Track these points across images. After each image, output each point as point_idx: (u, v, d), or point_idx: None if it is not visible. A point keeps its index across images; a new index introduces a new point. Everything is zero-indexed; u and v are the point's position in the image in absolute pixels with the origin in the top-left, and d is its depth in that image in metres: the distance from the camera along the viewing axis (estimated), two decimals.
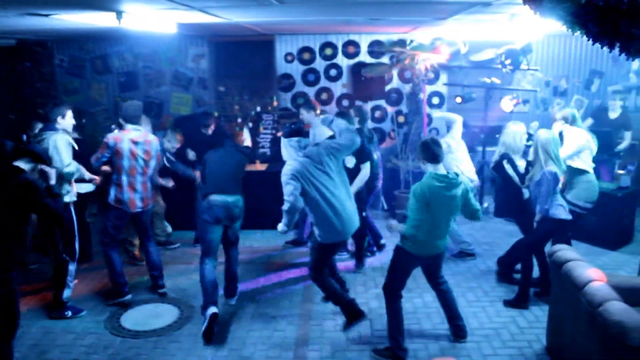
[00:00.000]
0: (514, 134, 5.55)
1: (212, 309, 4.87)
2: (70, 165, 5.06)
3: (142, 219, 5.58)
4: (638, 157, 8.28)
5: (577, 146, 5.80)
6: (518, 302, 5.38)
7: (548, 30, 7.33)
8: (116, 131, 5.48)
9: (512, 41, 7.45)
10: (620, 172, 7.21)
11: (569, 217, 5.19)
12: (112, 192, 5.38)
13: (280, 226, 4.61)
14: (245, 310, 5.44)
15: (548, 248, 4.87)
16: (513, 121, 5.84)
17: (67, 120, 5.35)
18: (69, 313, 5.26)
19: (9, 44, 8.70)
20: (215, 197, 5.04)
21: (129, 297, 5.53)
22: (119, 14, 4.49)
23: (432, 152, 4.28)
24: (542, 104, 9.30)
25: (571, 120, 5.94)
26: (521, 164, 5.53)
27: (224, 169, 5.20)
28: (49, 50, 9.27)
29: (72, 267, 5.26)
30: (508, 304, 5.42)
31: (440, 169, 4.30)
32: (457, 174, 4.34)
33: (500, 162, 5.55)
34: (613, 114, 7.80)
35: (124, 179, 5.33)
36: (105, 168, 5.48)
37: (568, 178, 5.81)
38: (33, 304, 5.52)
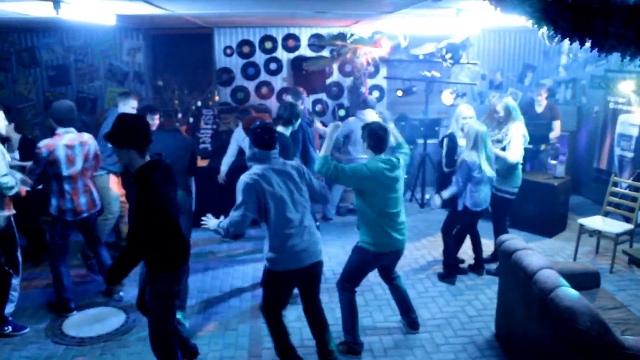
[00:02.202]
0: (457, 115, 5.89)
1: None
2: (6, 177, 4.60)
3: (90, 223, 5.28)
4: (569, 147, 8.65)
5: (522, 142, 5.99)
6: (445, 277, 5.85)
7: (485, 25, 7.52)
8: (46, 139, 4.96)
9: (452, 35, 7.59)
10: (553, 162, 7.49)
11: (475, 209, 5.56)
12: (54, 202, 4.97)
13: None
14: (194, 310, 5.31)
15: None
16: (465, 103, 5.98)
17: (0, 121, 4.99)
18: (9, 329, 4.83)
19: None
20: None
21: (74, 313, 5.17)
22: (57, 4, 4.22)
23: (378, 139, 4.30)
24: (479, 97, 9.55)
25: (512, 112, 6.04)
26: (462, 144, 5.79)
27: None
28: None
29: (15, 281, 4.90)
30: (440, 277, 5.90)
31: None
32: (397, 158, 4.39)
33: (442, 139, 5.80)
34: (539, 108, 8.08)
35: (66, 187, 4.95)
36: (40, 186, 5.04)
37: (502, 167, 5.95)
38: None
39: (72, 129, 5.03)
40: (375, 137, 4.29)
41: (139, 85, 8.98)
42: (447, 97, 7.95)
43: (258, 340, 4.74)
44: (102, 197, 5.83)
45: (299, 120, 5.67)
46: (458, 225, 5.89)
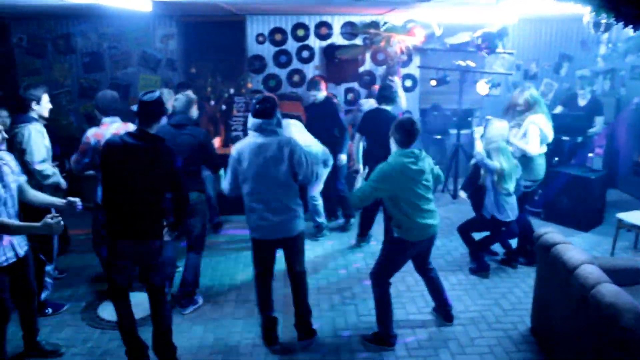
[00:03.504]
0: (501, 130, 5.53)
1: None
2: (43, 164, 4.68)
3: None
4: (607, 139, 8.45)
5: (542, 138, 5.84)
6: (477, 270, 5.78)
7: (523, 14, 7.36)
8: (93, 128, 4.97)
9: (488, 24, 7.45)
10: (590, 155, 7.33)
11: (504, 219, 5.50)
12: (100, 192, 4.87)
13: None
14: (227, 297, 5.33)
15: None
16: (498, 118, 5.79)
17: (43, 105, 4.96)
18: (50, 310, 5.00)
19: None
20: None
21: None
22: None
23: (406, 133, 4.23)
24: (513, 87, 9.35)
25: (533, 105, 5.87)
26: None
27: None
28: (6, 28, 8.81)
29: (49, 268, 5.01)
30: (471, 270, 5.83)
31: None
32: (420, 149, 4.31)
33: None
34: (582, 101, 7.88)
35: None
36: (90, 173, 5.01)
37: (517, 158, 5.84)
38: None
39: (117, 119, 5.03)
40: (404, 131, 4.22)
41: (172, 72, 9.01)
42: (482, 87, 7.82)
43: (290, 328, 4.74)
44: None
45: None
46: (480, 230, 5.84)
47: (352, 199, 4.33)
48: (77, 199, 3.85)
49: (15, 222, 3.67)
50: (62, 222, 3.53)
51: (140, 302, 5.22)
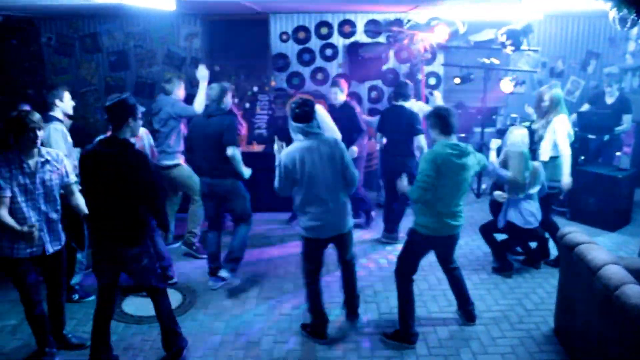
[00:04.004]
0: (523, 137, 5.51)
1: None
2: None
3: None
4: (636, 138, 8.30)
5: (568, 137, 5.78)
6: (500, 270, 5.73)
7: (548, 10, 7.27)
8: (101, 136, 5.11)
9: (512, 21, 7.37)
10: (618, 153, 7.22)
11: (524, 225, 5.49)
12: None
13: None
14: (249, 294, 5.38)
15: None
16: (515, 126, 5.75)
17: (65, 102, 5.19)
18: (76, 296, 5.18)
19: None
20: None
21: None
22: None
23: (445, 122, 4.22)
24: (538, 85, 9.23)
25: (557, 105, 5.82)
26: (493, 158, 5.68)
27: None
28: (36, 28, 8.98)
29: (79, 256, 5.15)
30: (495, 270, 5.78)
31: (453, 139, 4.27)
32: (467, 144, 4.29)
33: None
34: (610, 99, 7.75)
35: None
36: None
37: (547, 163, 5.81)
38: None
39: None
40: (440, 118, 4.24)
41: (196, 70, 9.05)
42: (506, 85, 7.75)
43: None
44: (187, 188, 6.08)
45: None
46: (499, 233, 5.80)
47: (412, 194, 4.26)
48: None
49: (6, 219, 3.77)
50: (35, 235, 3.73)
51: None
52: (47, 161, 3.97)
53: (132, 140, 3.95)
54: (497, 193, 5.59)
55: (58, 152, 4.15)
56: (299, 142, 4.29)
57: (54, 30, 9.02)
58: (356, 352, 4.38)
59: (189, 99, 6.27)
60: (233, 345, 4.51)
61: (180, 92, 6.17)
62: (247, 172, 5.36)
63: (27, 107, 5.60)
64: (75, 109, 5.46)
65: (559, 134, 5.70)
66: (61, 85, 5.42)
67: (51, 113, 5.11)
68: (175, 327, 4.28)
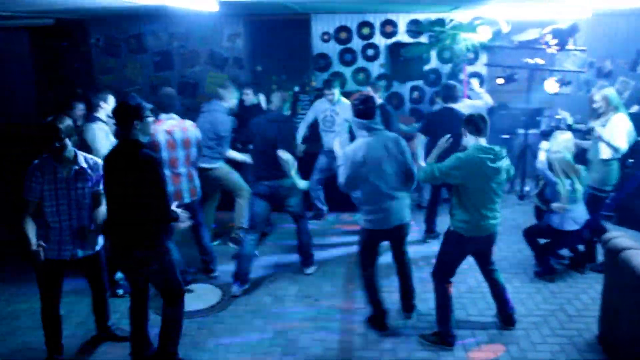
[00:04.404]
0: (566, 142, 5.43)
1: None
2: None
3: (191, 209, 5.49)
4: None
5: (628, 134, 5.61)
6: (542, 274, 5.62)
7: (596, 8, 7.09)
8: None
9: (558, 20, 7.22)
10: None
11: (564, 228, 5.41)
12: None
13: None
14: (288, 292, 5.42)
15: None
16: (560, 130, 5.64)
17: (110, 104, 5.41)
18: (121, 291, 5.31)
19: (47, 24, 8.70)
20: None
21: (190, 286, 5.40)
22: None
23: (474, 123, 4.21)
24: (584, 86, 9.02)
25: (613, 103, 5.65)
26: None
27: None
28: (85, 30, 9.26)
29: None
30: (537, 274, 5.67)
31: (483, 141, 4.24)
32: (501, 147, 4.25)
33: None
34: None
35: (166, 171, 5.05)
36: None
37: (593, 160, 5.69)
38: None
39: (173, 115, 5.27)
40: (470, 121, 4.21)
41: (238, 70, 9.21)
42: (551, 85, 7.59)
43: (349, 326, 4.77)
44: (232, 185, 6.15)
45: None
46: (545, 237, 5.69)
47: (418, 173, 4.40)
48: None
49: (26, 227, 3.91)
50: (40, 256, 3.86)
51: (204, 293, 5.43)
52: (82, 169, 4.00)
53: (145, 138, 3.97)
54: (555, 205, 5.44)
55: (97, 160, 4.18)
56: (362, 138, 4.40)
57: (101, 31, 9.29)
58: (393, 353, 4.37)
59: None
60: (271, 341, 4.56)
61: (232, 99, 6.28)
62: (303, 184, 5.57)
63: (81, 106, 6.19)
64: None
65: (618, 131, 5.53)
66: (106, 90, 5.70)
67: (95, 114, 5.41)
68: (169, 342, 4.16)
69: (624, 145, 5.52)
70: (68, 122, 3.93)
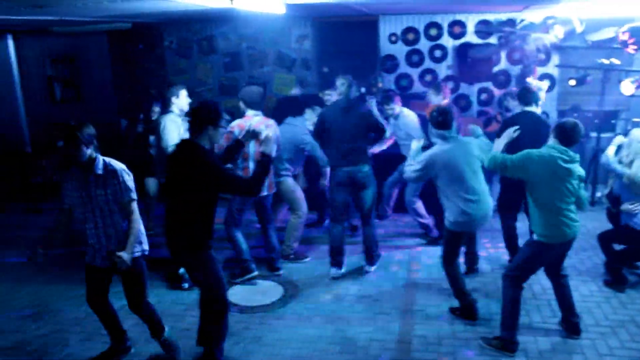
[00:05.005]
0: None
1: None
2: None
3: (264, 203, 5.71)
4: None
5: None
6: (612, 283, 5.43)
7: None
8: (238, 120, 5.47)
9: (636, 18, 6.92)
10: None
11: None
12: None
13: None
14: (348, 291, 5.47)
15: None
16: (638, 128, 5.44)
17: (181, 99, 5.70)
18: (187, 285, 5.50)
19: (125, 27, 9.14)
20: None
21: (255, 273, 5.68)
22: None
23: (562, 132, 4.16)
24: None
25: None
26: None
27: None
28: (160, 33, 9.65)
29: None
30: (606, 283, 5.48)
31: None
32: (576, 152, 4.18)
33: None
34: None
35: (251, 165, 5.39)
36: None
37: None
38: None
39: (259, 112, 5.53)
40: (561, 131, 4.16)
41: (306, 71, 9.33)
42: (627, 87, 7.27)
43: (409, 327, 4.76)
44: (293, 201, 6.20)
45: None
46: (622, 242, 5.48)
47: (488, 157, 4.43)
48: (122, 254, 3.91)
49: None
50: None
51: (266, 289, 5.57)
52: (101, 176, 3.91)
53: (208, 145, 3.95)
54: (625, 207, 5.25)
55: (122, 167, 4.04)
56: (439, 146, 4.77)
57: (175, 34, 9.64)
58: (452, 356, 4.34)
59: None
60: (329, 339, 4.62)
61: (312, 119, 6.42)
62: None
63: (157, 109, 6.84)
64: (191, 106, 5.86)
65: None
66: (179, 85, 5.96)
67: (169, 109, 5.74)
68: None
69: None
70: (89, 130, 3.85)
